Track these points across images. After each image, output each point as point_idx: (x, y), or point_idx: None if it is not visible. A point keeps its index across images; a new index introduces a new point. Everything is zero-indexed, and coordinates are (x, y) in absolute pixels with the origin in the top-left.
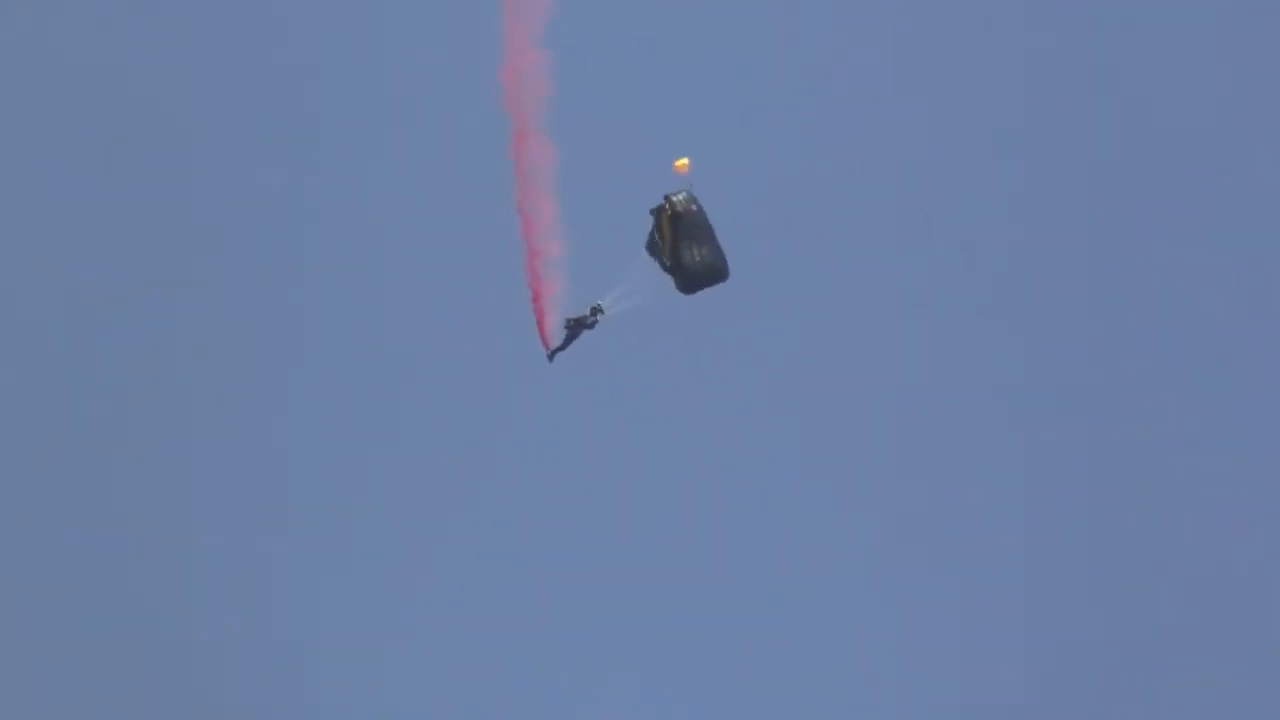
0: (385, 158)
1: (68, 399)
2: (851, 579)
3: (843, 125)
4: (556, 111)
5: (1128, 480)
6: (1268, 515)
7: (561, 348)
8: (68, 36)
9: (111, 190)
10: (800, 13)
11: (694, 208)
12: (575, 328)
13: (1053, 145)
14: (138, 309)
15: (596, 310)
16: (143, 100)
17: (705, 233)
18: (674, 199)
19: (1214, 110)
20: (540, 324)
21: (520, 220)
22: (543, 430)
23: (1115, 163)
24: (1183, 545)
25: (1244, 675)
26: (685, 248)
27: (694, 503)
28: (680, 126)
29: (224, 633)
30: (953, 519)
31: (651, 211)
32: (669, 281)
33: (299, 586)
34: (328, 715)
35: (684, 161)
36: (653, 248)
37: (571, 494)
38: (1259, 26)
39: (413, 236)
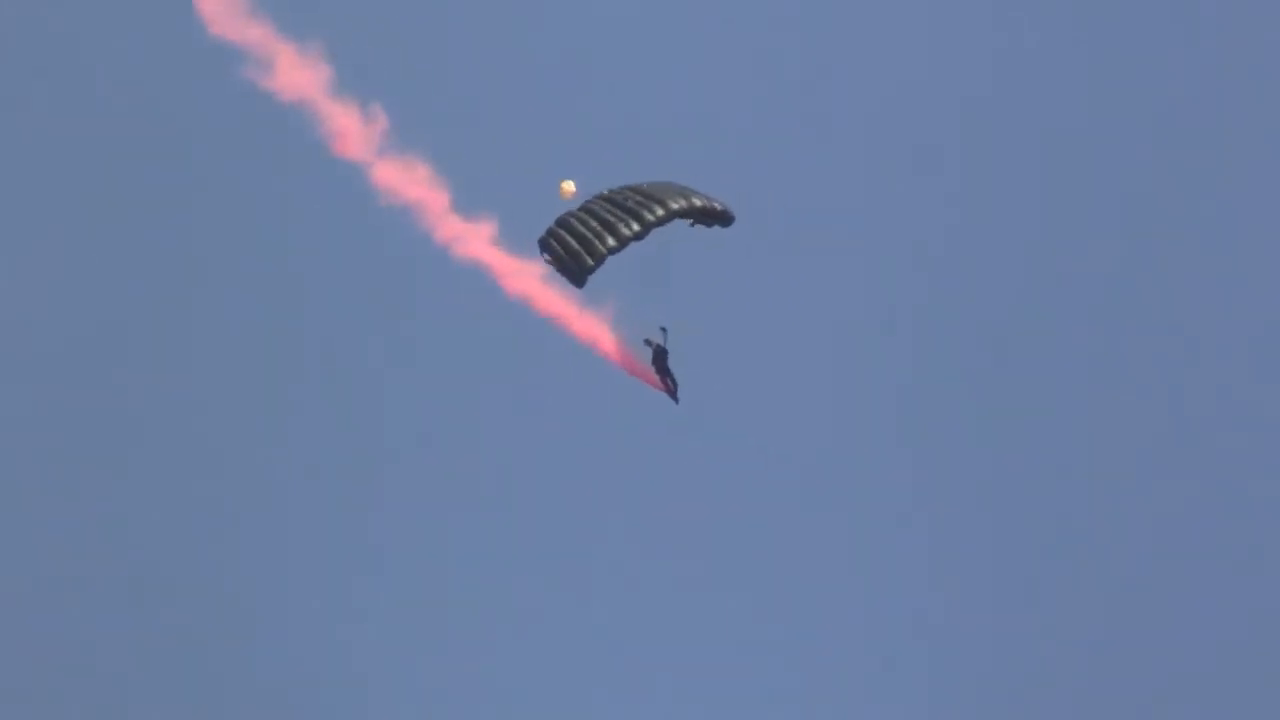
0: None
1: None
2: (853, 580)
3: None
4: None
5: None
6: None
7: (672, 379)
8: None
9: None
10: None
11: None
12: (660, 354)
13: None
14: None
15: (663, 330)
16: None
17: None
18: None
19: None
20: (650, 380)
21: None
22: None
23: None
24: (1169, 558)
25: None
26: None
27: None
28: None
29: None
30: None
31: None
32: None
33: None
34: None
35: (569, 186)
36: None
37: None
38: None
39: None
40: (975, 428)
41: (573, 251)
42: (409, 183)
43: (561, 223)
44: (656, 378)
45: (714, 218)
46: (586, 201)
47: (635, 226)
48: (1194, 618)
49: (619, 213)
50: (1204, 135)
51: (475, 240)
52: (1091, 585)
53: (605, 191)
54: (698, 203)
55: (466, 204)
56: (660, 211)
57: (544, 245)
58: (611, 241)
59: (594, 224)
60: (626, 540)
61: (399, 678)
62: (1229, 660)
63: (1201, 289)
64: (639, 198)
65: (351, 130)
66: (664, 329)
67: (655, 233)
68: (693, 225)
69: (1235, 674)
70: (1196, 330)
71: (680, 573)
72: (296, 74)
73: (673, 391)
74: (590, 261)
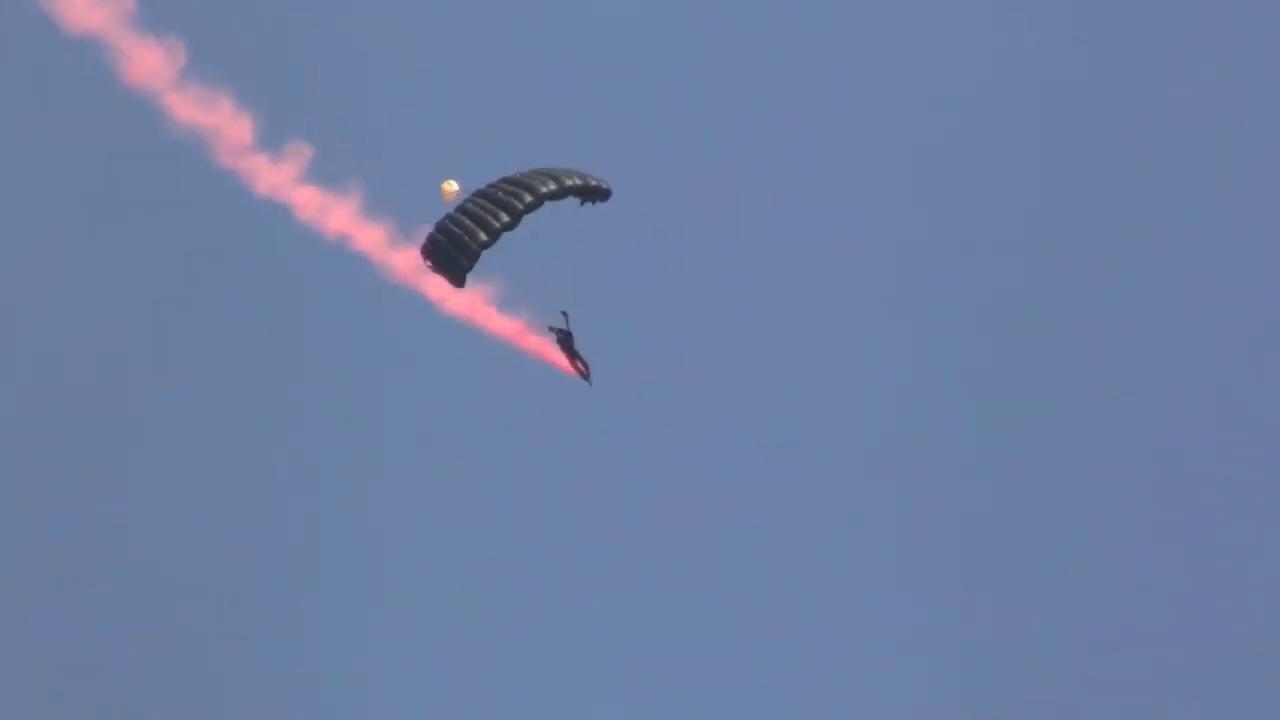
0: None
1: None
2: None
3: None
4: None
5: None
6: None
7: (582, 362)
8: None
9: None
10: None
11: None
12: (565, 338)
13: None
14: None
15: (564, 315)
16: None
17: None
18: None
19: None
20: (556, 361)
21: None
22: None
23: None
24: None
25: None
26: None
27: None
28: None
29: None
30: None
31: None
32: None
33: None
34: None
35: (451, 186)
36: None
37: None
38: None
39: None
40: (965, 422)
41: (447, 253)
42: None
43: (438, 226)
44: (566, 362)
45: (590, 194)
46: (463, 200)
47: (505, 218)
48: (1193, 627)
49: (490, 206)
50: (1204, 135)
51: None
52: (1088, 589)
53: (482, 186)
54: (568, 183)
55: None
56: (529, 198)
57: (424, 251)
58: (483, 237)
59: (466, 221)
60: (622, 535)
61: (399, 678)
62: (1227, 667)
63: (1195, 293)
64: (509, 187)
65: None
66: (564, 313)
67: (547, 211)
68: (582, 204)
69: (1234, 682)
70: (1194, 334)
71: (677, 568)
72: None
73: (585, 374)
74: (465, 262)
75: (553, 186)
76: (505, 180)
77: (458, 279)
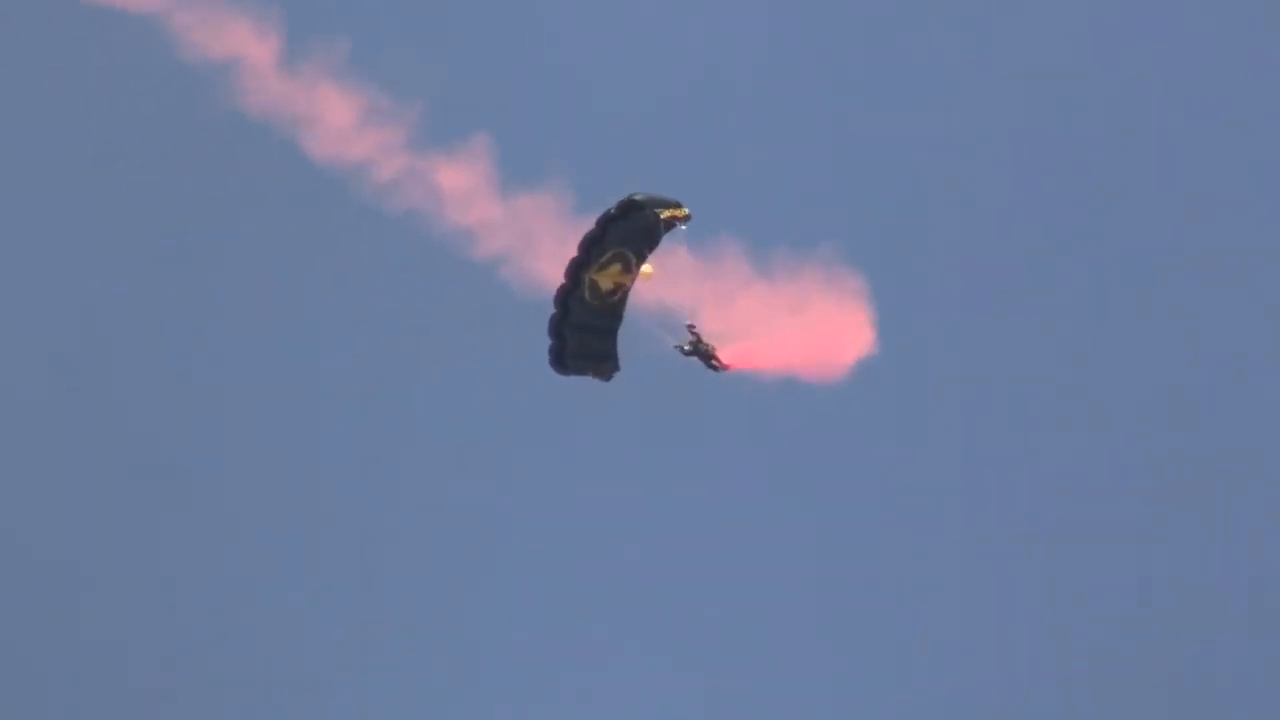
0: None
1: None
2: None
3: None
4: None
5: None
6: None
7: (718, 360)
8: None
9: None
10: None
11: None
12: (700, 349)
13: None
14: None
15: (691, 328)
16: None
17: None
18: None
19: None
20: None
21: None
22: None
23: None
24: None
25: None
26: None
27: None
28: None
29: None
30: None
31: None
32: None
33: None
34: None
35: (648, 270)
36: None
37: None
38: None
39: None
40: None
41: (593, 365)
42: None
43: (566, 353)
44: (744, 365)
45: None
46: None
47: (613, 322)
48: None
49: (601, 322)
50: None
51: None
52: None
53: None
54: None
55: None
56: (623, 294)
57: (564, 368)
58: (609, 345)
59: (590, 342)
60: (623, 537)
61: (399, 678)
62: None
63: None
64: (600, 304)
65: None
66: (689, 325)
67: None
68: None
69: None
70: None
71: (678, 570)
72: None
73: (727, 366)
74: (611, 368)
75: (633, 273)
76: (593, 296)
77: (609, 375)
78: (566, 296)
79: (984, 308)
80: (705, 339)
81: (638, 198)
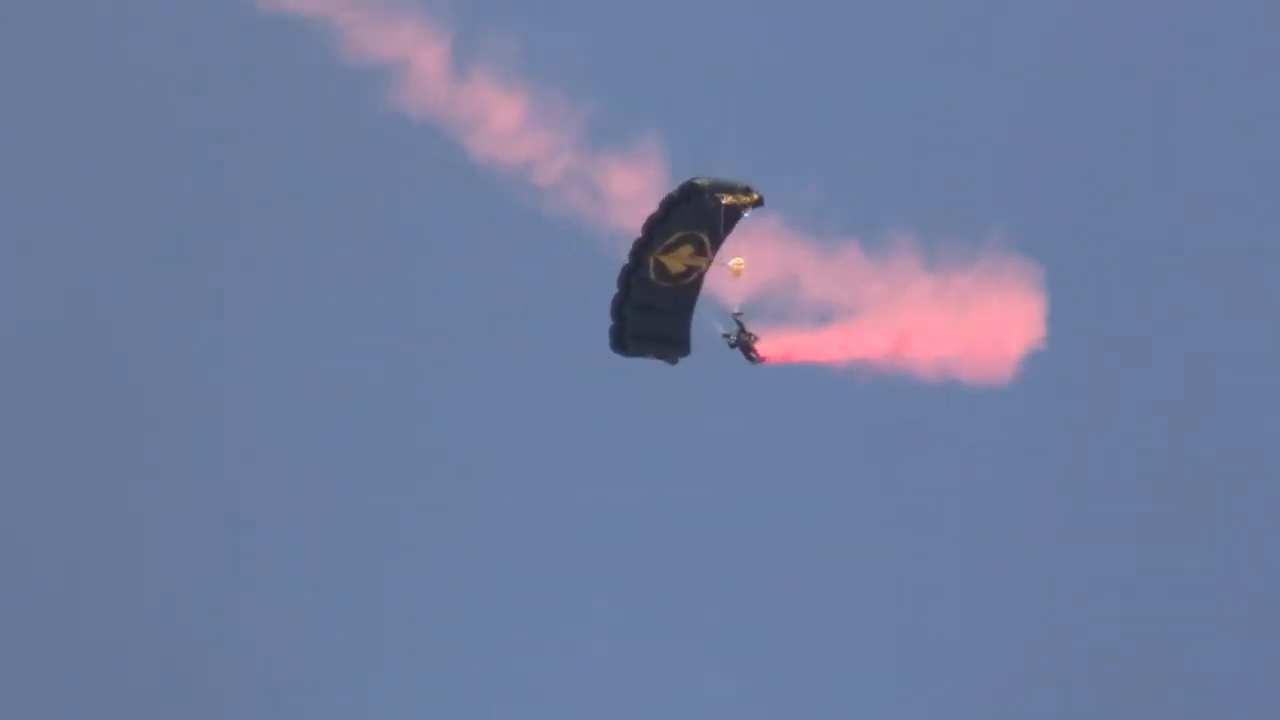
0: None
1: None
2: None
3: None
4: None
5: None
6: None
7: (751, 350)
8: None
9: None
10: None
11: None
12: (744, 341)
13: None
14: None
15: (738, 317)
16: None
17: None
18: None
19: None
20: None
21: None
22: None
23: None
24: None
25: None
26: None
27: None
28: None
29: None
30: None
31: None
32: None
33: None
34: None
35: (739, 263)
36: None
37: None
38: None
39: None
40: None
41: (656, 346)
42: None
43: (626, 334)
44: (786, 356)
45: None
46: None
47: (681, 304)
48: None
49: (667, 303)
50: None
51: None
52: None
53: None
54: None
55: None
56: (697, 276)
57: (624, 349)
58: (676, 328)
59: (656, 324)
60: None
61: (399, 678)
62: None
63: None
64: (671, 285)
65: None
66: (736, 314)
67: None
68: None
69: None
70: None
71: (680, 568)
72: None
73: (766, 358)
74: (675, 351)
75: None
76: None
77: (672, 359)
78: (629, 276)
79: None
80: (747, 330)
81: (699, 181)
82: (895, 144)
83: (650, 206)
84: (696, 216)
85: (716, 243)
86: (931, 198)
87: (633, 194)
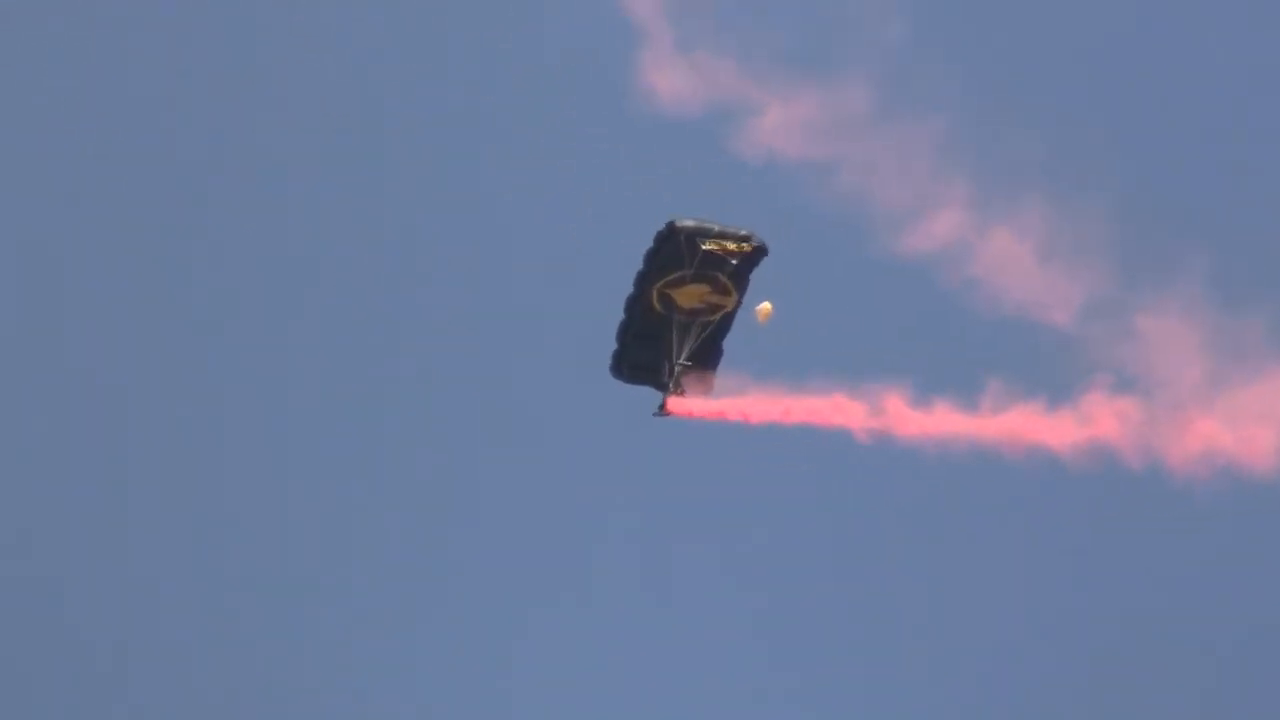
0: None
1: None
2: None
3: None
4: None
5: None
6: None
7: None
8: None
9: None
10: None
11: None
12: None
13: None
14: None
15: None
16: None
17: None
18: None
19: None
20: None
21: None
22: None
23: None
24: None
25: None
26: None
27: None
28: None
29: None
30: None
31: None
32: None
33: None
34: None
35: (766, 308)
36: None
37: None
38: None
39: None
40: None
41: (650, 376)
42: None
43: (624, 361)
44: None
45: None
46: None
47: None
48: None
49: (670, 335)
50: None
51: None
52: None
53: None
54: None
55: None
56: (720, 315)
57: (620, 374)
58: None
59: (653, 354)
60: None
61: (398, 680)
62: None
63: None
64: (682, 318)
65: None
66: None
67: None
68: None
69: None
70: None
71: (681, 569)
72: None
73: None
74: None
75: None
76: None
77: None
78: (632, 304)
79: None
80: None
81: (680, 222)
82: None
83: None
84: (689, 256)
85: (740, 285)
86: None
87: None
